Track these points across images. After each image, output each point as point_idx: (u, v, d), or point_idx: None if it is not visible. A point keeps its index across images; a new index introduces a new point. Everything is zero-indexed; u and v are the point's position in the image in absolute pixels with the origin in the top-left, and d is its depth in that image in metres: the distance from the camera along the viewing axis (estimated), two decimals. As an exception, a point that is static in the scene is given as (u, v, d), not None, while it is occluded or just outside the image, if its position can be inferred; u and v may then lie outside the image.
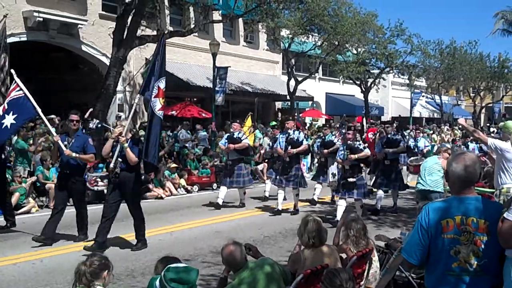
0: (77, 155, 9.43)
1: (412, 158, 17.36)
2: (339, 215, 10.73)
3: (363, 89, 34.84)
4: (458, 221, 3.53)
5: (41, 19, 19.60)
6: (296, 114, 27.94)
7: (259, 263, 4.93)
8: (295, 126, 13.33)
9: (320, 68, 34.40)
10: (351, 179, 11.29)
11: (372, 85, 34.50)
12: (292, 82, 28.73)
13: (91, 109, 16.25)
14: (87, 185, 14.28)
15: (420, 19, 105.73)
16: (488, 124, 43.34)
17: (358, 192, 11.37)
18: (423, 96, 43.33)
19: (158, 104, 9.03)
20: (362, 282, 5.63)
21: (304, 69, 33.92)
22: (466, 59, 39.55)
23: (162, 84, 9.06)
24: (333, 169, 13.01)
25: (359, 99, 37.45)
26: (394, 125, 15.61)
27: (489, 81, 44.48)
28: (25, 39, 19.93)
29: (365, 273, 5.70)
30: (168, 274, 3.93)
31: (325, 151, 13.80)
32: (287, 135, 12.79)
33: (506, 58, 43.55)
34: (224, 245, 4.98)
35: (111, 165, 9.10)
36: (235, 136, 13.57)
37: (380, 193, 13.33)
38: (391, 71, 35.78)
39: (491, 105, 49.97)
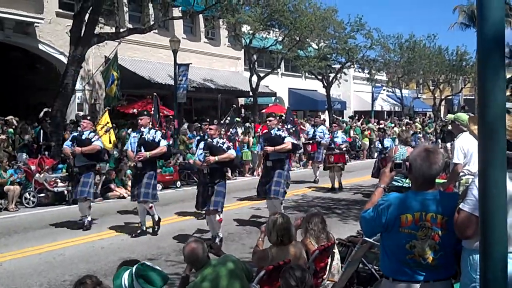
0: None
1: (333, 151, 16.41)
2: (212, 229, 9.47)
3: (325, 84, 35.06)
4: (417, 217, 3.57)
5: (-4, 18, 19.14)
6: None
7: (221, 260, 4.90)
8: (150, 122, 10.71)
9: (282, 63, 34.49)
10: (210, 185, 9.25)
11: (334, 79, 34.74)
12: (255, 78, 28.73)
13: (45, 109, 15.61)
14: (46, 186, 14.10)
15: (380, 14, 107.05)
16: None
17: (215, 202, 9.17)
18: (384, 90, 43.82)
19: None
20: (325, 276, 5.63)
21: (266, 64, 33.95)
22: (425, 53, 40.19)
23: None
24: None
25: (321, 94, 37.66)
26: (277, 118, 12.54)
27: (448, 74, 45.28)
28: (-21, 38, 19.48)
29: (328, 267, 5.71)
30: (141, 269, 3.88)
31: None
32: (140, 134, 10.34)
33: (464, 51, 44.56)
34: (186, 243, 4.94)
35: None
36: (83, 137, 10.89)
37: (270, 204, 10.54)
38: (352, 66, 36.16)
39: (450, 97, 50.91)
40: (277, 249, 5.29)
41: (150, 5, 24.10)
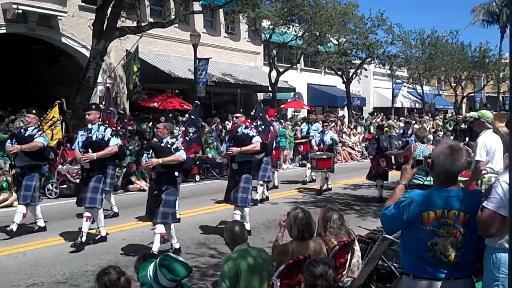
0: None
1: (317, 152, 15.49)
2: (155, 246, 8.09)
3: (345, 80, 34.87)
4: (439, 214, 3.55)
5: (20, 11, 19.30)
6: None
7: (242, 254, 4.93)
8: (100, 118, 9.15)
9: (302, 58, 34.40)
10: (156, 193, 8.10)
11: (354, 75, 34.54)
12: (274, 73, 28.71)
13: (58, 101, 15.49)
14: (69, 177, 14.27)
15: (401, 9, 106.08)
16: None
17: (162, 213, 8.00)
18: (404, 86, 43.45)
19: None
20: (344, 272, 5.64)
21: (286, 60, 33.88)
22: (447, 49, 39.77)
23: None
24: None
25: (341, 89, 37.49)
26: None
27: (470, 70, 44.72)
28: (4, 31, 19.64)
29: (348, 263, 5.72)
30: (164, 259, 3.96)
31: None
32: (88, 132, 9.01)
33: (487, 47, 43.95)
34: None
35: None
36: (26, 134, 9.61)
37: (238, 212, 9.69)
38: (372, 62, 35.91)
39: (472, 94, 50.35)
40: (297, 243, 5.30)
41: (171, -1, 24.20)
